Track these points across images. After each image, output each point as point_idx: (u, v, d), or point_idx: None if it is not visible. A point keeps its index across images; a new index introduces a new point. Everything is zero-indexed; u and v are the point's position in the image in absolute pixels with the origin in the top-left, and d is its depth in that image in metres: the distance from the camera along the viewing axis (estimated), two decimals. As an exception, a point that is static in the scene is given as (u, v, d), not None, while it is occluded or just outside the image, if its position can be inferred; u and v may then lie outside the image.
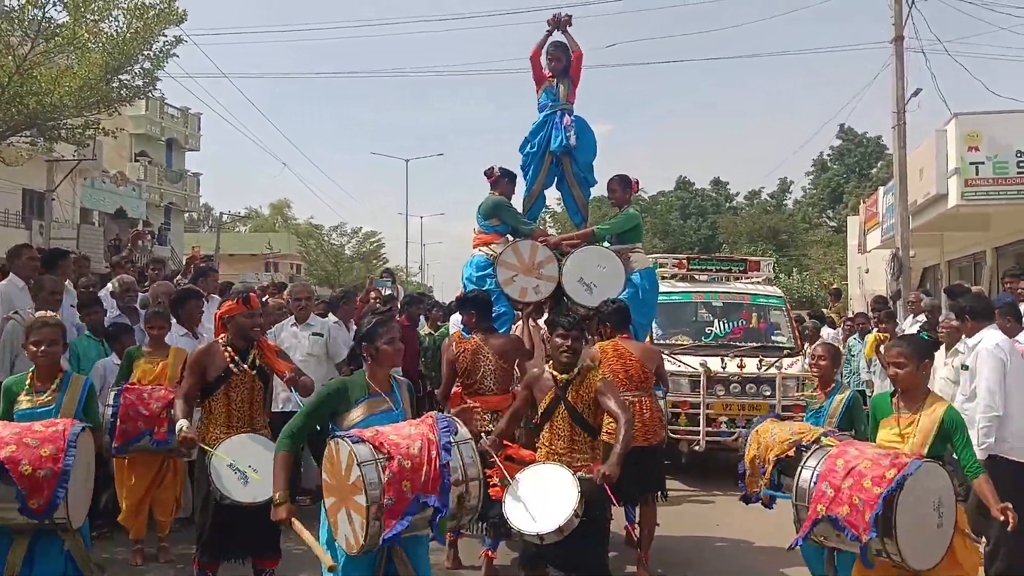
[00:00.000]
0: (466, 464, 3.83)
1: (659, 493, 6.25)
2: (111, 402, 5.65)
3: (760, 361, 9.35)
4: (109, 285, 8.11)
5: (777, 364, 9.28)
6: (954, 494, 4.09)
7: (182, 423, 4.72)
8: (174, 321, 6.70)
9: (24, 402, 4.49)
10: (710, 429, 8.93)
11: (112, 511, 6.20)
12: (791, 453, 4.80)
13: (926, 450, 4.14)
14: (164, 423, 5.60)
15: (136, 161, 40.49)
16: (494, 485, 4.59)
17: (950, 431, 4.16)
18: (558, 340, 4.77)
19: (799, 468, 4.33)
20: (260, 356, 4.98)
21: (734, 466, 5.53)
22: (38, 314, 4.95)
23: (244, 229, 69.61)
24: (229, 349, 4.90)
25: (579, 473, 4.51)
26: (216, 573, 4.90)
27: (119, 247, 11.57)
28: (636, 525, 6.27)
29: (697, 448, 8.97)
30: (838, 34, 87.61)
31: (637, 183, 7.24)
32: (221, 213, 54.17)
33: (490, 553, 5.85)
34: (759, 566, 6.17)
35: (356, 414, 3.98)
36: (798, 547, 4.38)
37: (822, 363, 5.46)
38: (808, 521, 4.10)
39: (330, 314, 8.55)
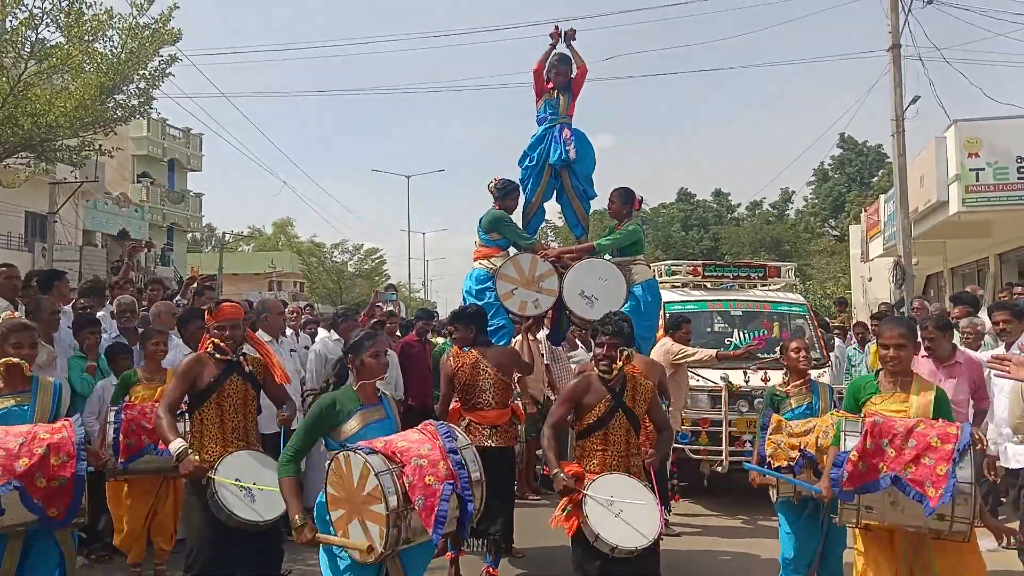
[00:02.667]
0: (471, 469, 3.95)
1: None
2: (112, 420, 5.60)
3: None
4: (109, 307, 8.07)
5: None
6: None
7: (178, 444, 4.44)
8: (179, 341, 6.62)
9: None
10: (733, 448, 8.23)
11: (110, 532, 6.14)
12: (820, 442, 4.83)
13: None
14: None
15: (138, 182, 40.65)
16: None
17: (942, 409, 4.21)
18: (596, 349, 4.81)
19: (839, 436, 4.16)
20: (254, 363, 4.86)
21: (761, 488, 5.42)
22: (4, 315, 4.84)
23: (247, 248, 69.72)
24: (216, 357, 4.73)
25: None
26: None
27: (119, 269, 11.53)
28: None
29: (719, 469, 8.29)
30: (836, 43, 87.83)
31: (640, 201, 7.15)
32: (224, 233, 54.28)
33: (491, 570, 5.79)
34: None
35: (352, 425, 4.07)
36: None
37: (805, 355, 5.60)
38: (859, 480, 3.90)
39: (331, 330, 8.51)
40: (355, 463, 3.78)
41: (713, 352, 7.92)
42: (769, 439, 5.18)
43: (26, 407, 4.43)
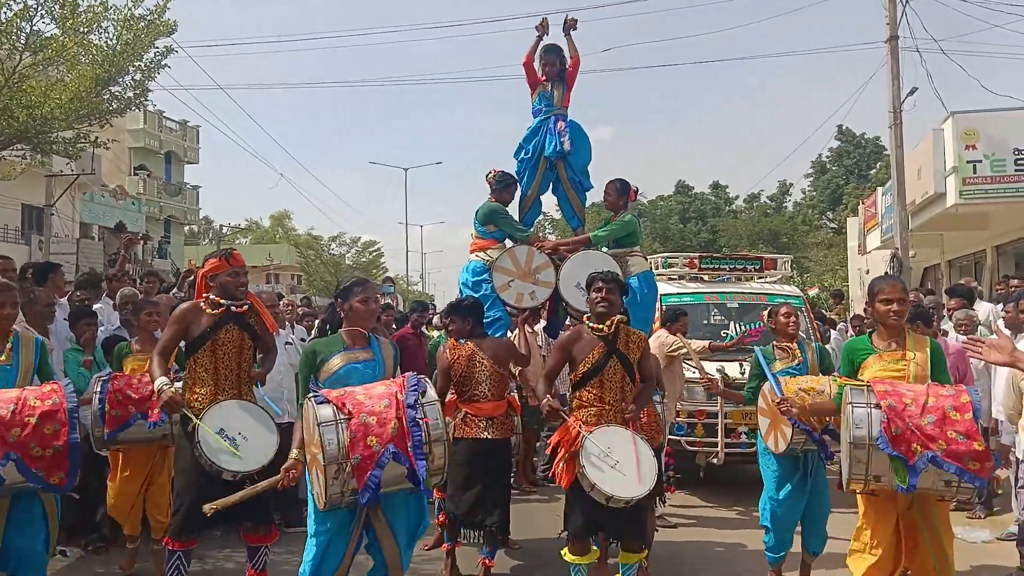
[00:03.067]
0: (431, 426, 3.97)
1: (657, 498, 6.18)
2: (98, 390, 5.51)
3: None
4: (105, 299, 8.05)
5: None
6: None
7: (161, 381, 4.53)
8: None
9: None
10: (729, 440, 8.23)
11: (107, 525, 6.12)
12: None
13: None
14: (156, 405, 5.30)
15: (135, 175, 40.57)
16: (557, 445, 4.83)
17: (937, 359, 4.28)
18: (593, 293, 4.94)
19: (846, 406, 4.06)
20: (252, 314, 4.88)
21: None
22: None
23: (245, 241, 69.68)
24: (211, 311, 4.76)
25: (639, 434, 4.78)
26: (191, 552, 4.79)
27: (115, 261, 11.47)
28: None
29: (715, 461, 8.31)
30: (833, 35, 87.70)
31: (636, 191, 7.15)
32: (221, 226, 54.24)
33: (488, 562, 5.79)
34: (763, 573, 6.09)
35: (335, 363, 4.27)
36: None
37: (795, 319, 5.85)
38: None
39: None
40: (309, 411, 3.93)
41: (706, 343, 7.96)
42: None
43: (9, 367, 4.42)
